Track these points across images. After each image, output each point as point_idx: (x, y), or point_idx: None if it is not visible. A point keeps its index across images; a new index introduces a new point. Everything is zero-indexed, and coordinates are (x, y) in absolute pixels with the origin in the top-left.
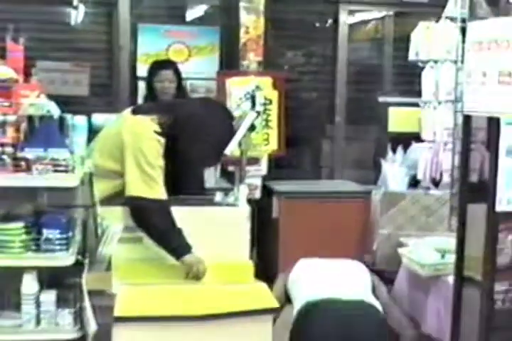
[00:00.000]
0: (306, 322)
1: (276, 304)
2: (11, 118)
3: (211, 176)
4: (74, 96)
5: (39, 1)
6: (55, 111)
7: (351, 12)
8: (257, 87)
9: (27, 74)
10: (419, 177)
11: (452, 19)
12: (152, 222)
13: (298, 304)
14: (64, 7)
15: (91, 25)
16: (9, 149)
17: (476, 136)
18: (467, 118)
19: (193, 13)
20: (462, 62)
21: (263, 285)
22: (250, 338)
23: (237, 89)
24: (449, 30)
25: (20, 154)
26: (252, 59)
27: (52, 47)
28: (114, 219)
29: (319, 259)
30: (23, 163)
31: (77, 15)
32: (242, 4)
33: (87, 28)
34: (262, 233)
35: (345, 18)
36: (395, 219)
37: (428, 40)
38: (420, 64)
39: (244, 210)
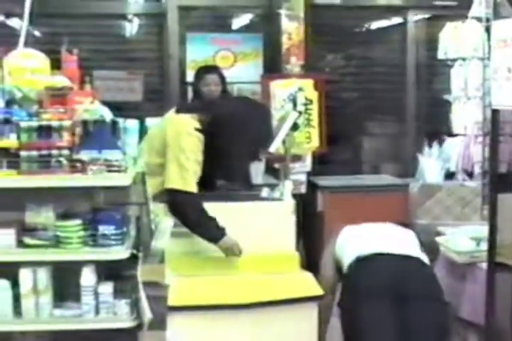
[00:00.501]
0: (356, 276)
1: (321, 292)
2: (67, 123)
3: (258, 173)
4: (128, 102)
5: (97, 15)
6: (108, 115)
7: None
8: (300, 89)
9: (82, 83)
10: (452, 169)
11: (478, 19)
12: (184, 212)
13: (347, 260)
14: (119, 20)
15: (143, 35)
16: (66, 152)
17: (504, 129)
18: (495, 113)
19: (238, 21)
20: (488, 59)
21: (308, 275)
22: (297, 325)
23: (280, 91)
24: (475, 29)
25: (76, 156)
26: (295, 63)
27: (108, 58)
28: (165, 215)
29: (366, 224)
30: (78, 165)
31: (131, 27)
32: (283, 12)
33: (140, 38)
34: (307, 226)
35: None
36: (431, 209)
37: (456, 39)
38: (449, 62)
39: (290, 204)
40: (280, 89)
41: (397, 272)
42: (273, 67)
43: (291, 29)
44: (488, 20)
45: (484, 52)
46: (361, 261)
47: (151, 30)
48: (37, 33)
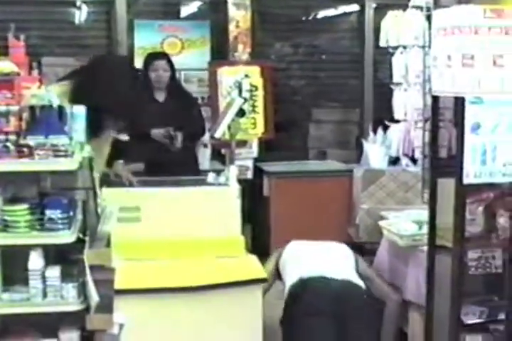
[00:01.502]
0: (299, 296)
1: (264, 275)
2: (14, 108)
3: (205, 158)
4: None
5: (46, 2)
6: (55, 101)
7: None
8: (246, 76)
9: (30, 68)
10: (394, 154)
11: (419, 8)
12: None
13: (290, 280)
14: (68, 7)
15: (92, 22)
16: (13, 137)
17: (443, 115)
18: (435, 99)
19: (186, 9)
20: (429, 47)
21: (253, 258)
22: (242, 307)
23: (227, 78)
24: (415, 18)
25: (23, 141)
26: (242, 50)
27: (57, 44)
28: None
29: (309, 241)
30: (25, 150)
31: (80, 14)
32: (230, 0)
33: (89, 25)
34: (254, 210)
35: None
36: (375, 194)
37: (397, 27)
38: (390, 50)
39: (235, 189)
40: (227, 76)
41: (338, 295)
42: (220, 54)
43: (239, 17)
44: (428, 9)
45: (425, 41)
46: (304, 282)
47: (99, 17)
48: None
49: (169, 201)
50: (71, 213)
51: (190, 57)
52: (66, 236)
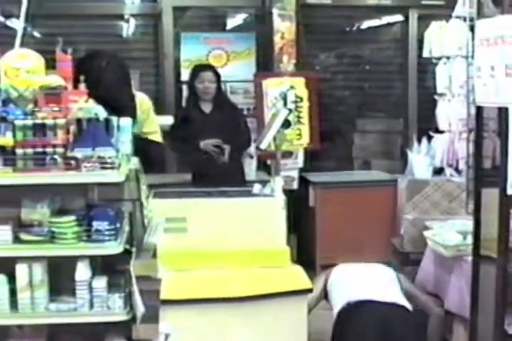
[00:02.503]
0: (347, 319)
1: (310, 285)
2: (61, 121)
3: (251, 169)
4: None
5: (94, 16)
6: (102, 113)
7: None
8: (291, 87)
9: (76, 82)
10: (438, 165)
11: (462, 18)
12: None
13: (339, 304)
14: (116, 21)
15: (139, 35)
16: (60, 150)
17: (487, 125)
18: (479, 109)
19: (231, 21)
20: (472, 57)
21: (299, 269)
22: (287, 317)
23: (272, 89)
24: (458, 28)
25: (70, 154)
26: (287, 62)
27: None
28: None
29: (355, 264)
30: (72, 162)
31: (127, 27)
32: (275, 12)
33: (136, 38)
34: (300, 221)
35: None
36: (419, 204)
37: (440, 38)
38: (434, 60)
39: (280, 200)
40: (272, 87)
41: (385, 319)
42: (265, 65)
43: (284, 28)
44: (471, 19)
45: (468, 51)
46: (353, 306)
47: (146, 30)
48: (36, 34)
49: (215, 212)
50: (118, 224)
51: (236, 68)
52: (113, 248)
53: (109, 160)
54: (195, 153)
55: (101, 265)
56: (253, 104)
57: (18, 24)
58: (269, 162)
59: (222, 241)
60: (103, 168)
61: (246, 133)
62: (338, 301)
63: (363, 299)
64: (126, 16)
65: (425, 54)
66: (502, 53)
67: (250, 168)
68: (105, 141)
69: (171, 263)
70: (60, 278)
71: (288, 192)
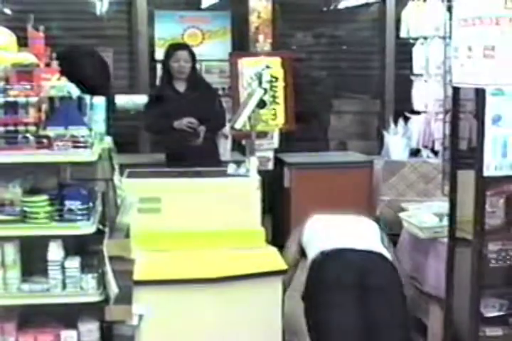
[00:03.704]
0: (321, 269)
1: (285, 266)
2: (33, 99)
3: (226, 149)
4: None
5: None
6: (75, 91)
7: None
8: (267, 67)
9: (49, 60)
10: (414, 146)
11: None
12: None
13: (312, 254)
14: None
15: (112, 13)
16: (32, 128)
17: (464, 106)
18: (456, 90)
19: (207, 0)
20: (450, 38)
21: (274, 250)
22: (261, 298)
23: (248, 69)
24: (436, 8)
25: (42, 132)
26: (263, 41)
27: (77, 35)
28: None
29: (331, 215)
30: (45, 141)
31: (101, 5)
32: None
33: (109, 16)
34: (275, 202)
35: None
36: (395, 186)
37: (417, 18)
38: (411, 41)
39: (255, 180)
40: (248, 67)
41: (360, 267)
42: (241, 45)
43: (260, 8)
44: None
45: (445, 31)
46: (326, 256)
47: (120, 7)
48: (7, 11)
49: (190, 192)
50: (90, 204)
51: (211, 48)
52: (86, 227)
53: (81, 139)
54: (168, 132)
55: (74, 245)
56: (228, 84)
57: None
58: (244, 142)
59: (196, 222)
60: (75, 146)
61: (221, 113)
62: (313, 252)
63: (337, 248)
64: None
65: (403, 34)
66: (479, 34)
67: (225, 148)
68: (78, 119)
69: (145, 244)
70: (32, 258)
71: (263, 173)
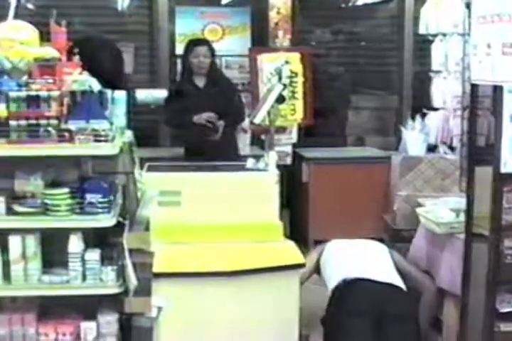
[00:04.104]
0: (343, 297)
1: (302, 260)
2: (55, 93)
3: (245, 144)
4: None
5: None
6: (96, 86)
7: None
8: (286, 62)
9: (71, 54)
10: (432, 142)
11: None
12: None
13: (333, 280)
14: None
15: (134, 9)
16: (54, 122)
17: (482, 103)
18: (474, 87)
19: None
20: (468, 35)
21: (291, 244)
22: (279, 291)
23: (267, 64)
24: (455, 5)
25: (63, 126)
26: (283, 37)
27: (99, 31)
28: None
29: (349, 240)
30: (66, 134)
31: (122, 0)
32: None
33: (131, 11)
34: (293, 196)
35: None
36: (412, 181)
37: (436, 15)
38: (430, 37)
39: (274, 174)
40: (267, 62)
41: (379, 296)
42: (261, 41)
43: (280, 3)
44: None
45: (464, 28)
46: (347, 284)
47: (141, 3)
48: (29, 6)
49: (209, 186)
50: (111, 197)
51: (231, 43)
52: (106, 220)
53: (102, 133)
54: (188, 127)
55: (94, 237)
56: (248, 79)
57: None
58: (263, 137)
59: (215, 215)
60: (97, 140)
61: (240, 108)
62: (333, 278)
63: (358, 277)
64: None
65: (421, 31)
66: (498, 31)
67: (244, 142)
68: (99, 113)
69: (164, 236)
70: (53, 250)
71: (281, 168)
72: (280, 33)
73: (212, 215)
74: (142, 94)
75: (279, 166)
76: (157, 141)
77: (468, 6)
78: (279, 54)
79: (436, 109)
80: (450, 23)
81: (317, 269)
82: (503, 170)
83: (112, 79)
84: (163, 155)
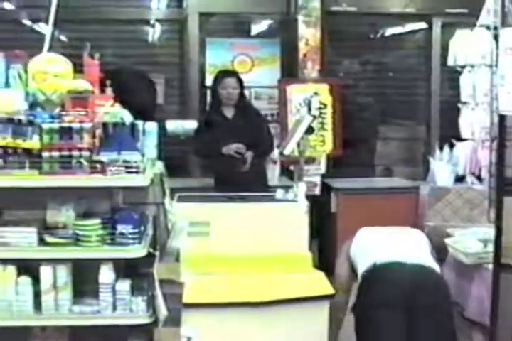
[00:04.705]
0: (372, 283)
1: (332, 291)
2: (87, 125)
3: (274, 175)
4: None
5: (121, 21)
6: (128, 118)
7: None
8: (315, 93)
9: (103, 86)
10: (461, 172)
11: (486, 27)
12: None
13: (363, 265)
14: (141, 26)
15: (165, 41)
16: (86, 153)
17: (510, 134)
18: (502, 118)
19: (256, 27)
20: (496, 66)
21: (320, 274)
22: (308, 323)
23: (296, 95)
24: (483, 37)
25: (95, 157)
26: (311, 68)
27: (131, 62)
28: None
29: (379, 227)
30: (98, 166)
31: (153, 32)
32: (300, 18)
33: (162, 43)
34: (321, 227)
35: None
36: (441, 211)
37: (464, 46)
38: (458, 69)
39: (303, 205)
40: (296, 93)
41: (411, 283)
42: (290, 72)
43: (308, 35)
44: (495, 28)
45: (492, 60)
46: (377, 270)
47: (172, 35)
48: (63, 38)
49: (238, 216)
50: (142, 228)
51: (261, 74)
52: (136, 251)
53: (134, 164)
54: (217, 157)
55: (125, 268)
56: (277, 110)
57: (46, 28)
58: (291, 167)
59: (244, 246)
60: (128, 172)
61: (268, 139)
62: (362, 263)
63: (387, 261)
64: (151, 21)
65: (450, 62)
66: None
67: (273, 173)
68: (131, 145)
69: (194, 267)
70: (83, 280)
71: (310, 198)
72: (309, 64)
73: (242, 246)
74: (172, 125)
75: (307, 196)
76: (188, 172)
77: (496, 37)
78: (308, 85)
79: (464, 140)
80: (478, 55)
81: (352, 268)
82: None
83: (144, 110)
84: (193, 186)
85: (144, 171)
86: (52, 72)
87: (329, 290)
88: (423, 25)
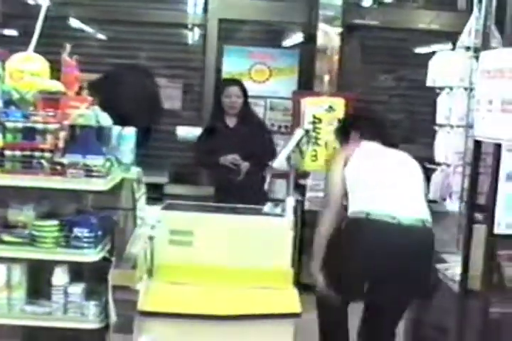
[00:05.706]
0: (358, 236)
1: (299, 310)
2: (51, 126)
3: (281, 188)
4: (167, 110)
5: (156, 24)
6: (106, 121)
7: None
8: (330, 107)
9: (80, 88)
10: (431, 197)
11: (467, 48)
12: None
13: (355, 207)
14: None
15: (188, 46)
16: (47, 154)
17: (484, 160)
18: (477, 144)
19: (277, 37)
20: (474, 89)
21: (294, 292)
22: (272, 340)
23: (310, 108)
24: (462, 58)
25: (57, 159)
26: (329, 81)
27: (154, 65)
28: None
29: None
30: (58, 168)
31: (193, 36)
32: (321, 30)
33: (185, 48)
34: None
35: None
36: None
37: (444, 67)
38: (437, 90)
39: (289, 221)
40: (310, 106)
41: (402, 237)
42: (307, 84)
43: (328, 47)
44: (476, 50)
45: (471, 83)
46: (367, 222)
47: (196, 42)
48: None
49: (222, 227)
50: (99, 233)
51: (277, 85)
52: (91, 255)
53: (94, 168)
54: (215, 167)
55: (82, 272)
56: (291, 122)
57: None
58: (302, 182)
59: (226, 258)
60: (88, 175)
61: (268, 149)
62: (354, 206)
63: (382, 213)
64: (189, 26)
65: (429, 83)
66: (499, 87)
67: (281, 187)
68: (96, 149)
69: (171, 276)
70: (38, 281)
71: (313, 213)
72: (326, 77)
73: (224, 257)
74: (183, 131)
75: (312, 211)
76: (195, 179)
77: (477, 58)
78: (322, 98)
79: (438, 164)
80: (457, 77)
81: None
82: (497, 231)
83: (139, 114)
84: (195, 194)
85: (106, 176)
86: (28, 71)
87: (296, 308)
88: (448, 46)
